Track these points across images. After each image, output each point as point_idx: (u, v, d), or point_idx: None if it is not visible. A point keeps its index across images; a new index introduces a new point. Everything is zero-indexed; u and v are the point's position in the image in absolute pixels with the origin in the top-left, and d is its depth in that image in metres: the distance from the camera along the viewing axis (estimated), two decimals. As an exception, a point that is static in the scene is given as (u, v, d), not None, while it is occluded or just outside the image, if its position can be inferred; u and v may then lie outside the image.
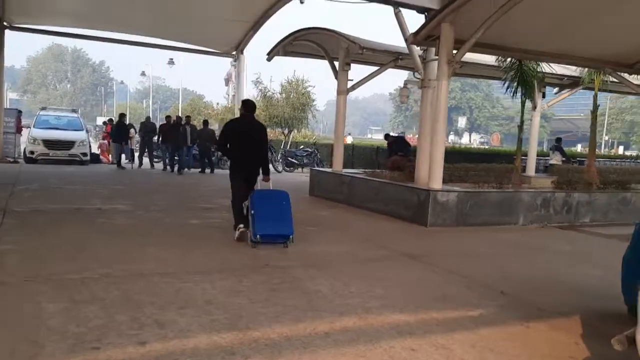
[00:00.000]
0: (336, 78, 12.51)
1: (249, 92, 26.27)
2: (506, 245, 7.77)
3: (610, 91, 16.85)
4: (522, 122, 12.77)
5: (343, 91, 12.30)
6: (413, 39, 9.71)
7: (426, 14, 11.03)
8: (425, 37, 9.63)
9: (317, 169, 13.30)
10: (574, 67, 14.17)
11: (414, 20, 10.72)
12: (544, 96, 15.27)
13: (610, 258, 6.82)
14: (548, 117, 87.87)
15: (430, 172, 9.34)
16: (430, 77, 10.97)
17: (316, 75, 26.75)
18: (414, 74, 14.04)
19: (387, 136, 15.05)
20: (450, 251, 7.05)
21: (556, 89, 16.00)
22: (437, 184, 9.24)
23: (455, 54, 9.12)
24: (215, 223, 8.17)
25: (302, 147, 23.32)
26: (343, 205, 10.98)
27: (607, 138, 70.66)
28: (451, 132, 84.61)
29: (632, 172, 16.73)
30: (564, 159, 17.07)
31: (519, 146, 12.71)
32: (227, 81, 39.59)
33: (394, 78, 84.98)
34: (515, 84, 12.22)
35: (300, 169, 21.16)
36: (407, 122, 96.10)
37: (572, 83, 14.90)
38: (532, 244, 7.88)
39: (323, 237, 7.46)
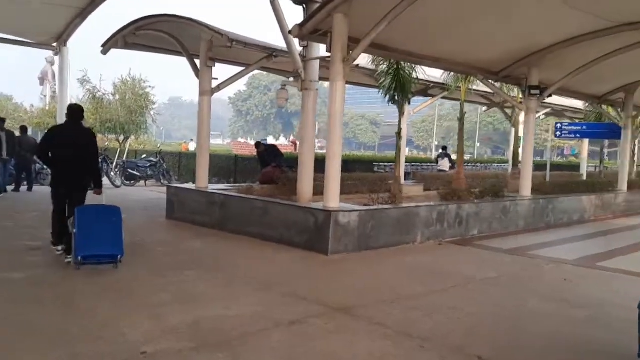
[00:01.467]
0: (197, 76, 10.45)
1: (74, 93, 22.24)
2: (425, 275, 6.62)
3: (467, 101, 17.35)
4: (400, 129, 12.10)
5: (207, 91, 10.29)
6: (298, 31, 8.18)
7: (304, 5, 9.65)
8: (312, 30, 8.18)
9: (177, 185, 11.03)
10: (439, 74, 14.07)
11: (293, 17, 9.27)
12: (409, 102, 14.90)
13: (546, 285, 6.22)
14: (378, 123, 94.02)
15: (327, 189, 7.90)
16: (312, 78, 9.60)
17: (158, 73, 23.86)
18: (288, 77, 12.69)
19: (258, 144, 13.31)
20: (379, 293, 5.63)
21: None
22: (334, 202, 7.84)
23: (349, 53, 7.83)
24: (48, 276, 5.72)
25: (144, 156, 20.33)
26: (215, 231, 9.01)
27: (437, 143, 77.58)
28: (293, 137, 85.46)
29: (489, 176, 17.43)
30: (450, 164, 17.60)
31: (398, 155, 12.01)
32: (42, 80, 33.96)
33: (234, 84, 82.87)
34: (393, 89, 11.50)
35: (143, 183, 18.30)
36: (247, 128, 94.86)
37: (438, 89, 14.85)
38: (450, 271, 6.85)
39: (210, 289, 5.52)
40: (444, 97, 16.74)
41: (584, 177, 22.00)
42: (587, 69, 11.54)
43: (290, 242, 7.86)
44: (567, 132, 18.76)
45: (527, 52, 11.18)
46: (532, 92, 11.41)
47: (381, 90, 12.10)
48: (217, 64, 10.56)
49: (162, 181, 18.19)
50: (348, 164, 18.08)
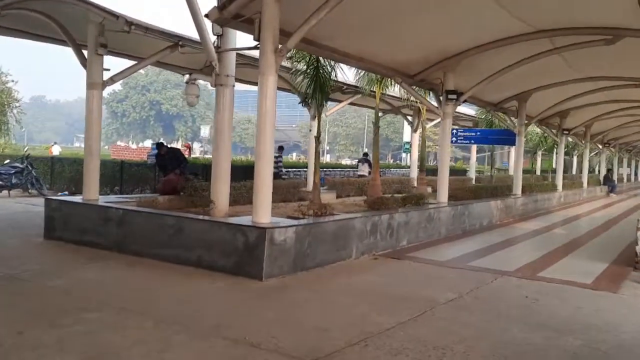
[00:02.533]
0: (84, 66, 8.68)
1: None
2: (382, 300, 5.74)
3: (363, 106, 17.05)
4: (319, 133, 11.22)
5: (97, 84, 8.57)
6: (217, 14, 6.95)
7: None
8: (235, 14, 6.99)
9: (59, 198, 9.01)
10: (352, 77, 13.49)
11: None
12: (326, 104, 14.13)
13: (513, 306, 5.59)
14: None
15: (257, 200, 6.74)
16: (228, 72, 8.38)
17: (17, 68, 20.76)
18: (190, 74, 11.28)
19: (160, 146, 11.48)
20: (345, 332, 4.60)
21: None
22: (265, 216, 6.71)
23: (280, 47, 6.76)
24: None
25: (7, 162, 17.30)
26: (113, 254, 7.39)
27: (327, 148, 78.28)
28: (177, 140, 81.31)
29: (394, 182, 17.26)
30: (370, 170, 17.26)
31: (316, 160, 11.10)
32: None
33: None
34: (312, 90, 10.60)
35: (6, 193, 15.48)
36: (123, 131, 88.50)
37: (352, 92, 14.24)
38: (406, 294, 6.05)
39: (126, 341, 4.13)
40: (352, 104, 16.27)
41: (473, 182, 22.99)
42: (500, 75, 11.59)
43: (212, 266, 6.56)
44: (462, 137, 19.19)
45: (444, 55, 10.92)
46: (450, 97, 11.18)
47: (297, 91, 11.18)
48: (109, 57, 8.92)
49: (29, 190, 15.56)
50: (249, 170, 16.91)
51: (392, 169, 25.92)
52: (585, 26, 9.47)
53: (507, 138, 18.11)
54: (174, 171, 10.21)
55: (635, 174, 50.48)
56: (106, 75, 8.69)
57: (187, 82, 8.89)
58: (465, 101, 12.29)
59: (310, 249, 6.91)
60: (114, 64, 8.89)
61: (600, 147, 31.26)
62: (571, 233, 11.97)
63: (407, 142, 29.66)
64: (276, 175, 13.92)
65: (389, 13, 8.52)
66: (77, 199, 8.57)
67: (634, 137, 34.62)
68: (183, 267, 6.71)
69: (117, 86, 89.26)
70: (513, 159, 30.00)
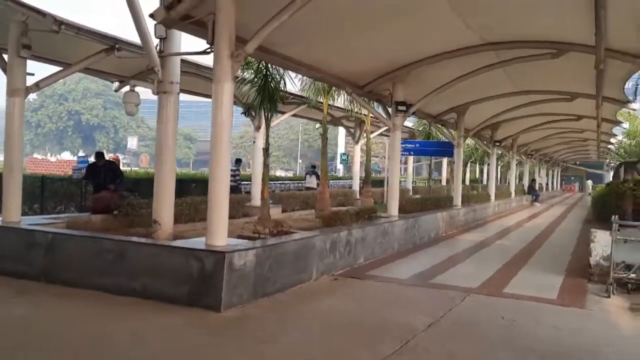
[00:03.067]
0: (4, 71, 7.62)
1: None
2: (357, 332, 5.26)
3: (302, 117, 16.62)
4: (267, 145, 10.62)
5: (19, 91, 7.52)
6: (164, 15, 6.28)
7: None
8: (184, 15, 6.34)
9: None
10: (296, 88, 13.03)
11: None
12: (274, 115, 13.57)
13: (493, 328, 5.29)
14: (193, 138, 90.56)
15: (211, 219, 6.09)
16: (172, 79, 7.65)
17: None
18: (120, 82, 10.47)
19: (100, 156, 10.14)
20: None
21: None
22: (222, 239, 6.05)
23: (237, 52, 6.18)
24: None
25: None
26: (40, 284, 6.41)
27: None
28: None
29: (338, 194, 16.92)
30: (318, 182, 17.18)
31: (265, 173, 10.50)
32: None
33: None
34: (259, 100, 10.04)
35: None
36: (38, 142, 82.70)
37: (296, 103, 13.77)
38: (380, 322, 5.61)
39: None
40: (294, 115, 15.82)
41: (411, 193, 23.19)
42: (448, 87, 11.59)
43: (160, 296, 5.80)
44: (402, 149, 19.31)
45: (394, 66, 10.72)
46: (400, 108, 10.99)
47: (239, 101, 10.55)
48: (33, 63, 7.91)
49: None
50: (183, 184, 15.93)
51: (330, 181, 25.59)
52: (534, 40, 9.60)
53: (446, 150, 18.36)
54: (108, 187, 9.24)
55: (552, 184, 53.65)
56: (30, 81, 7.68)
57: (127, 90, 8.00)
58: (413, 113, 12.18)
59: (270, 273, 6.31)
60: (36, 69, 7.90)
61: (524, 158, 32.75)
62: (516, 244, 12.11)
63: (344, 154, 29.67)
64: (235, 189, 13.66)
65: (344, 21, 8.19)
66: (-5, 222, 7.45)
67: (553, 149, 36.74)
68: (125, 297, 5.89)
69: (31, 95, 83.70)
70: (445, 169, 30.84)
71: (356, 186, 18.91)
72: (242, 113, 13.01)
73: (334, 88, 12.30)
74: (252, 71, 10.20)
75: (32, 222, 7.56)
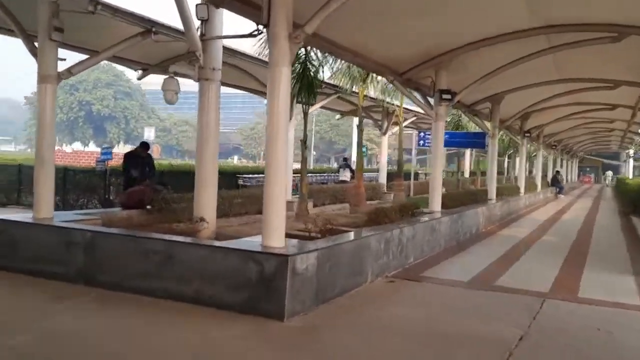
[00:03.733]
0: (35, 55, 7.07)
1: None
2: (441, 346, 4.71)
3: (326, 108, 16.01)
4: (305, 135, 10.04)
5: (50, 77, 6.98)
6: (213, -8, 5.68)
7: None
8: (235, -7, 5.75)
9: (3, 217, 7.19)
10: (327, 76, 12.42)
11: None
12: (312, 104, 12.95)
13: (591, 343, 4.70)
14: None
15: (269, 220, 5.52)
16: (214, 65, 7.07)
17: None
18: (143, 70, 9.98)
19: (145, 146, 9.47)
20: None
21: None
22: (280, 239, 5.49)
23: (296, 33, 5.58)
24: None
25: None
26: (79, 287, 5.91)
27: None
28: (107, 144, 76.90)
29: (365, 188, 16.30)
30: (351, 174, 17.18)
31: (303, 166, 9.93)
32: None
33: (28, 79, 71.91)
34: (297, 88, 9.44)
35: None
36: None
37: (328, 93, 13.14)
38: (463, 333, 5.06)
39: None
40: (324, 107, 15.19)
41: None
42: (493, 75, 10.93)
43: (215, 302, 5.26)
44: (429, 140, 18.68)
45: (437, 52, 10.07)
46: (444, 96, 10.33)
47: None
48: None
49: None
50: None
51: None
52: (593, 22, 8.92)
53: (477, 141, 17.70)
54: (142, 180, 8.71)
55: (570, 175, 52.67)
56: (61, 67, 7.13)
57: (166, 77, 7.42)
58: (458, 102, 11.53)
59: (330, 277, 5.75)
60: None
61: (548, 149, 31.92)
62: (563, 241, 11.48)
63: (363, 145, 28.94)
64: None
65: (391, 4, 7.57)
66: (27, 217, 6.91)
67: (576, 139, 35.87)
68: (175, 303, 5.36)
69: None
70: (467, 160, 30.03)
71: (383, 179, 18.29)
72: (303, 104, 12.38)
73: (373, 76, 11.66)
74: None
75: (65, 218, 7.03)
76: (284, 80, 5.49)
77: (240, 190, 11.83)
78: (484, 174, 32.35)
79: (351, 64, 11.96)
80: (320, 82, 10.24)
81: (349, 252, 6.23)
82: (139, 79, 11.94)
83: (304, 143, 9.82)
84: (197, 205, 7.11)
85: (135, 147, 9.57)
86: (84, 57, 8.24)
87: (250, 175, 17.12)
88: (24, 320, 4.81)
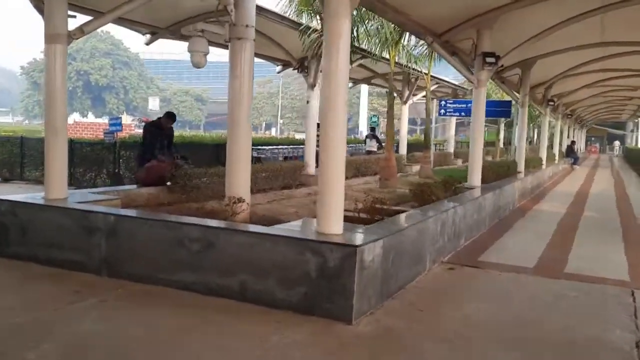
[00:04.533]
0: (41, 12, 6.12)
1: None
2: (553, 351, 3.98)
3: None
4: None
5: (60, 36, 6.03)
6: None
7: None
8: None
9: (11, 198, 6.29)
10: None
11: None
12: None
13: None
14: (204, 99, 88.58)
15: (325, 203, 4.69)
16: (248, 22, 6.16)
17: None
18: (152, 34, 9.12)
19: (171, 116, 8.43)
20: None
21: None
22: (337, 224, 4.68)
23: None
24: None
25: None
26: (101, 279, 5.15)
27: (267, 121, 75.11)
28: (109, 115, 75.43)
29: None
30: (378, 145, 17.03)
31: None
32: None
33: (25, 50, 70.17)
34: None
35: None
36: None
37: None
38: (566, 338, 4.31)
39: None
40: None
41: (453, 157, 21.71)
42: (542, 37, 9.96)
43: (263, 299, 4.48)
44: (451, 109, 17.80)
45: (478, 10, 9.08)
46: (488, 59, 9.38)
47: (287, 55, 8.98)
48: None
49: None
50: (220, 149, 14.59)
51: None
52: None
53: (503, 110, 16.83)
54: (161, 154, 7.87)
55: (579, 145, 51.75)
56: (72, 25, 6.18)
57: (194, 36, 6.49)
58: (502, 66, 10.57)
59: (393, 267, 4.96)
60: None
61: (564, 118, 30.94)
62: (608, 216, 10.76)
63: (375, 115, 28.01)
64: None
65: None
66: (38, 197, 6.07)
67: (592, 109, 34.82)
68: (217, 299, 4.60)
69: (37, 54, 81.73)
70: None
71: (403, 150, 17.44)
72: (294, 69, 11.44)
73: (406, 38, 10.69)
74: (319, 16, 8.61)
75: (81, 199, 6.20)
76: (344, 35, 4.59)
77: (264, 164, 10.99)
78: (489, 144, 31.45)
79: (380, 26, 11.00)
80: (356, 45, 9.22)
81: (411, 237, 5.43)
82: (147, 44, 11.02)
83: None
84: (229, 182, 6.31)
85: (156, 118, 8.63)
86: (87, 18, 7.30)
87: (265, 147, 16.26)
88: (45, 323, 4.04)
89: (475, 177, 9.72)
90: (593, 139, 67.43)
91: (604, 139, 67.66)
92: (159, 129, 8.18)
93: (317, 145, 14.59)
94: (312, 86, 11.37)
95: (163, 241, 5.00)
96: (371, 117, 27.44)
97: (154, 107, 48.76)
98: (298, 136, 47.69)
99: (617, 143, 57.36)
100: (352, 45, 10.79)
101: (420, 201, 7.55)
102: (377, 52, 11.07)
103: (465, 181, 9.63)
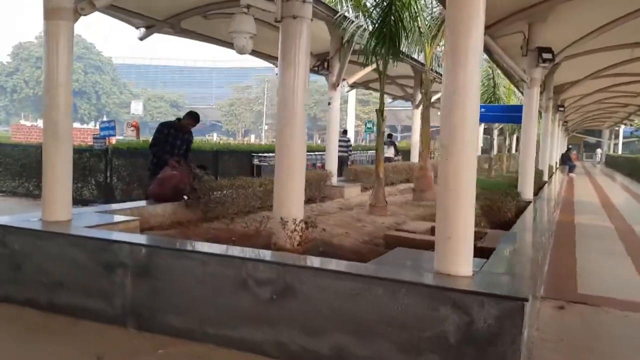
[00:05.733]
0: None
1: None
2: None
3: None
4: (382, 103, 7.88)
5: (65, 10, 4.59)
6: None
7: None
8: None
9: (9, 224, 4.74)
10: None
11: None
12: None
13: None
14: (180, 105, 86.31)
15: (446, 236, 3.40)
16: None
17: None
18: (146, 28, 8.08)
19: (193, 117, 6.67)
20: None
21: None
22: (466, 263, 3.40)
23: None
24: None
25: None
26: (126, 334, 3.76)
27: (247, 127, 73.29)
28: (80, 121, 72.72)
29: (401, 169, 14.33)
30: (395, 152, 16.86)
31: (380, 146, 7.78)
32: None
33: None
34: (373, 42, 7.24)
35: None
36: (14, 109, 77.55)
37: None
38: None
39: None
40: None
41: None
42: (601, 32, 8.92)
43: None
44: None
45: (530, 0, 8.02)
46: (545, 56, 8.30)
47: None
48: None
49: None
50: (220, 156, 13.27)
51: (367, 152, 22.53)
52: None
53: (515, 115, 15.82)
54: (173, 162, 6.47)
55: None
56: (79, -4, 4.79)
57: (239, 13, 5.11)
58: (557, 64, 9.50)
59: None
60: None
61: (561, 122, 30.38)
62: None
63: (370, 121, 26.91)
64: (344, 160, 14.69)
65: None
66: (34, 220, 4.60)
67: (586, 115, 34.44)
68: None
69: (4, 57, 78.54)
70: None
71: (415, 158, 16.30)
72: (314, 67, 10.15)
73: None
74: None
75: (90, 221, 4.77)
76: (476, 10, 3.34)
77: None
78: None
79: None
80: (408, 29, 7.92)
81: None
82: (141, 39, 9.73)
83: (381, 113, 7.66)
84: (279, 199, 4.98)
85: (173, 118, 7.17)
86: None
87: (266, 155, 14.89)
88: None
89: (528, 189, 8.59)
90: (570, 146, 68.20)
91: (581, 146, 68.39)
92: (178, 131, 6.77)
93: (344, 152, 13.45)
94: (334, 86, 10.09)
95: (217, 282, 3.65)
96: (366, 124, 26.34)
97: (137, 111, 45.88)
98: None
99: (599, 150, 57.86)
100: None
101: (490, 218, 6.36)
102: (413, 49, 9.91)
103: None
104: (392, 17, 6.91)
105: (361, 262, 3.84)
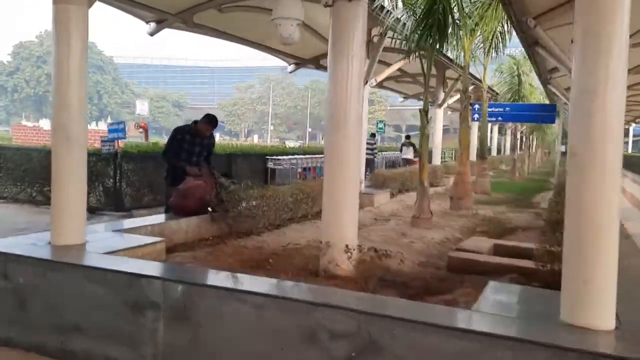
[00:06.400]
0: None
1: None
2: None
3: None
4: (427, 106, 7.11)
5: (77, -6, 3.87)
6: None
7: None
8: None
9: (12, 251, 4.00)
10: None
11: None
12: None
13: None
14: (182, 105, 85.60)
15: (581, 281, 2.62)
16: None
17: None
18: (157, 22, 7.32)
19: (212, 121, 5.89)
20: None
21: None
22: (609, 316, 2.62)
23: None
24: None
25: None
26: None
27: (248, 127, 72.57)
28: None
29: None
30: (415, 153, 16.27)
31: (425, 144, 7.00)
32: None
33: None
34: (420, 31, 6.45)
35: None
36: (14, 109, 76.75)
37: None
38: None
39: None
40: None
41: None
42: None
43: None
44: (487, 114, 15.96)
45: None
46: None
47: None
48: None
49: None
50: (233, 160, 12.53)
51: (382, 152, 21.66)
52: None
53: (546, 114, 15.08)
54: (197, 171, 5.70)
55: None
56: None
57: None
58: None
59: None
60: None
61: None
62: None
63: (381, 121, 26.13)
64: (372, 162, 14.55)
65: None
66: (41, 244, 3.82)
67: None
68: None
69: (5, 56, 77.88)
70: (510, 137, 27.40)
71: (438, 160, 15.55)
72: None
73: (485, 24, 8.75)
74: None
75: (108, 246, 3.98)
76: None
77: (317, 180, 8.87)
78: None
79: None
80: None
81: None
82: (151, 34, 8.99)
83: (425, 113, 6.86)
84: (328, 218, 4.21)
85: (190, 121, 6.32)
86: None
87: (281, 157, 14.14)
88: None
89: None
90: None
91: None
92: (194, 137, 5.96)
93: (370, 155, 12.67)
94: (366, 82, 9.31)
95: (276, 331, 2.86)
96: (377, 124, 25.56)
97: (142, 111, 44.53)
98: (291, 144, 44.92)
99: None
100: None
101: (554, 232, 5.58)
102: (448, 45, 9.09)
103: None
104: (442, 5, 6.13)
105: (434, 296, 3.09)
